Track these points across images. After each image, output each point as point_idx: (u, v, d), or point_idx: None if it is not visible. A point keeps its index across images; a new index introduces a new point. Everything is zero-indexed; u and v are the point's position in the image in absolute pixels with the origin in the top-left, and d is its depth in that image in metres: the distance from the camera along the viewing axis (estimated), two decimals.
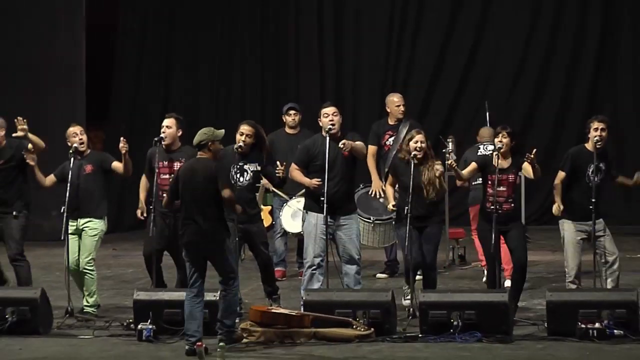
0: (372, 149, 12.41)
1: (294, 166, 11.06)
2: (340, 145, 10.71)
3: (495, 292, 10.59)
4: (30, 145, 11.02)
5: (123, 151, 10.88)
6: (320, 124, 10.98)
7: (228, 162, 10.69)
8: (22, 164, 11.16)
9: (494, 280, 10.84)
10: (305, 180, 10.95)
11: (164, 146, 11.02)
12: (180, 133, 11.12)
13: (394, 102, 12.94)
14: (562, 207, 10.82)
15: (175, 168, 10.91)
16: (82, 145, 11.16)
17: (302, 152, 11.10)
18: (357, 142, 10.90)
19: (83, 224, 11.16)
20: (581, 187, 10.80)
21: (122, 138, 10.88)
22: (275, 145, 12.79)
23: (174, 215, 10.70)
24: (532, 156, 10.54)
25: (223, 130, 9.94)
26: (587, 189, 10.74)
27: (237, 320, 10.18)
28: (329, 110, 10.98)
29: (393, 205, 11.03)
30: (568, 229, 10.90)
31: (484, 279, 12.44)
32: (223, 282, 9.69)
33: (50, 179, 11.25)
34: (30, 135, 10.99)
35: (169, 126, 11.08)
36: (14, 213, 11.18)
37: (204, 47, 18.19)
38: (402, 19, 17.90)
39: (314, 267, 10.92)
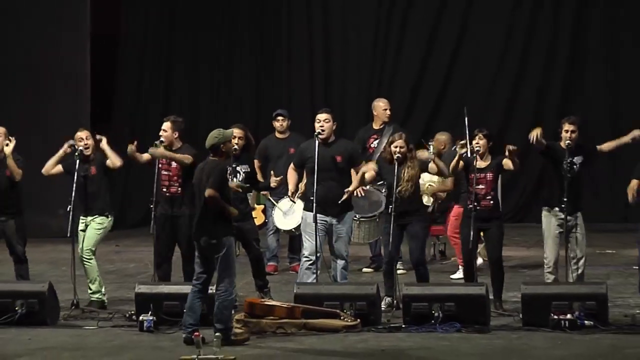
0: (370, 165, 12.43)
1: (291, 166, 11.29)
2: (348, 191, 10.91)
3: (474, 285, 10.65)
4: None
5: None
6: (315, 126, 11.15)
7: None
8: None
9: (472, 275, 10.92)
10: (290, 185, 11.20)
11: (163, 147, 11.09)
12: (177, 135, 11.14)
13: (381, 106, 13.08)
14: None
15: (173, 166, 11.01)
16: (87, 150, 11.21)
17: (297, 155, 11.30)
18: (365, 175, 11.00)
19: (90, 220, 11.24)
20: (559, 177, 10.84)
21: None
22: (269, 150, 12.89)
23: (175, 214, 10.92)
24: (511, 149, 10.65)
25: (232, 130, 10.14)
26: (562, 182, 10.80)
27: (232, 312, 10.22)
28: (321, 116, 11.10)
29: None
30: (548, 222, 10.97)
31: (454, 275, 12.55)
32: (217, 282, 9.68)
33: (58, 168, 11.26)
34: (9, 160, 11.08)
35: (165, 130, 11.12)
36: (13, 214, 11.26)
37: (203, 51, 18.16)
38: (387, 26, 17.89)
39: (310, 261, 11.01)
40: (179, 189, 11.04)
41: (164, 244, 11.11)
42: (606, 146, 11.10)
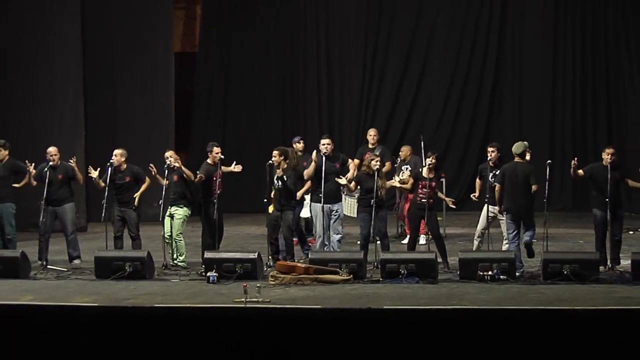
0: (356, 161, 12.46)
1: (305, 174, 11.23)
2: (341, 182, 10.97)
3: (427, 252, 10.68)
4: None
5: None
6: (320, 147, 11.17)
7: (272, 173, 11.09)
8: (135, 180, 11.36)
9: (414, 245, 11.07)
10: (300, 192, 11.21)
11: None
12: None
13: (371, 134, 13.23)
14: (475, 194, 11.23)
15: (220, 174, 11.16)
16: (170, 165, 11.24)
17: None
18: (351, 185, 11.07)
19: (173, 211, 11.24)
20: (487, 185, 10.90)
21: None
22: None
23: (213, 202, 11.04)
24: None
25: (526, 143, 10.83)
26: (489, 187, 10.86)
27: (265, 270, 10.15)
28: (325, 141, 11.21)
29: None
30: (484, 210, 11.02)
31: (404, 240, 12.50)
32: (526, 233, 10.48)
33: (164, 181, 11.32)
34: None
35: (220, 151, 11.24)
36: (133, 207, 11.29)
37: (249, 99, 18.02)
38: (371, 76, 17.71)
39: (322, 237, 11.02)
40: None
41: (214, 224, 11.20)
42: None
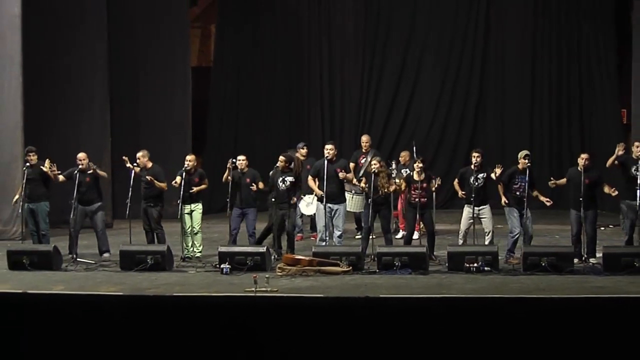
0: (352, 165, 12.49)
1: (310, 177, 11.17)
2: (341, 177, 10.89)
3: (419, 246, 10.67)
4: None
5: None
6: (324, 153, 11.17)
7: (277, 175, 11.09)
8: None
9: (410, 240, 11.05)
10: (316, 189, 11.07)
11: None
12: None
13: (364, 140, 13.17)
14: (460, 192, 11.06)
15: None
16: (189, 166, 11.23)
17: (314, 169, 11.24)
18: (349, 175, 11.07)
19: (194, 207, 11.26)
20: (469, 187, 10.86)
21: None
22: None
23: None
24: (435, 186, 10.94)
25: (524, 152, 10.81)
26: (471, 189, 10.83)
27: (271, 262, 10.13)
28: (328, 147, 11.20)
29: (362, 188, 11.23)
30: (465, 212, 11.00)
31: (398, 235, 12.49)
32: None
33: (177, 181, 11.28)
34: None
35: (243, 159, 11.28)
36: (152, 205, 11.28)
37: (257, 108, 18.03)
38: (368, 87, 17.71)
39: (323, 233, 11.00)
40: None
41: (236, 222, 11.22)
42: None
